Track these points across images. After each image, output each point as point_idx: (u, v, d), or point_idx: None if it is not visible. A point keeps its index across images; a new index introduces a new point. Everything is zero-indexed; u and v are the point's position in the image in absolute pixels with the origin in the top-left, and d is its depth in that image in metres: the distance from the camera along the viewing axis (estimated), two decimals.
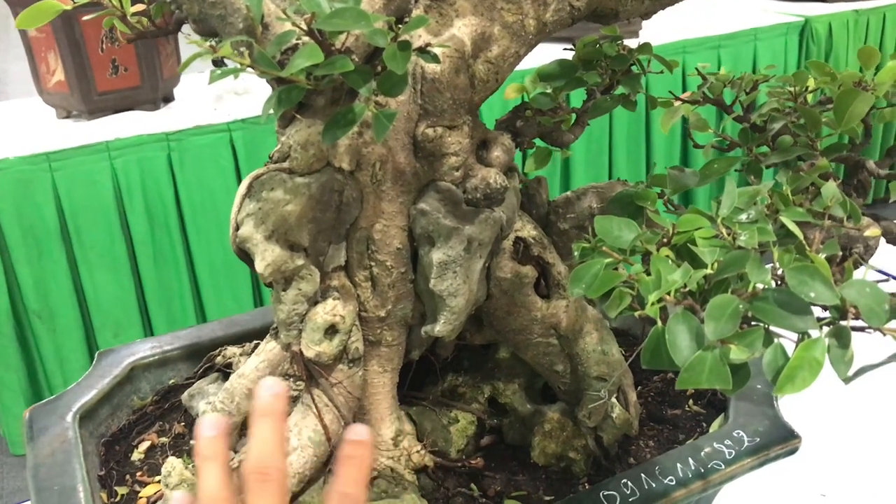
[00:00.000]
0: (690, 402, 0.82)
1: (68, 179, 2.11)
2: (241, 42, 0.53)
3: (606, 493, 0.68)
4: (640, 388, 0.82)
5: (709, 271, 0.48)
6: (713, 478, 0.69)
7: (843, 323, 0.46)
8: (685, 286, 0.47)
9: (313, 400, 0.67)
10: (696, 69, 0.80)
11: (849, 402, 1.19)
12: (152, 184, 2.18)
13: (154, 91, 2.27)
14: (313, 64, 0.49)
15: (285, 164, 0.62)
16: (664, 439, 0.77)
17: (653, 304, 0.47)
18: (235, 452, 0.68)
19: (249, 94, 2.41)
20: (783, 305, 0.46)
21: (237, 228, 0.62)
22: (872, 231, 0.60)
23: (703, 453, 0.71)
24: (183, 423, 0.84)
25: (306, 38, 0.51)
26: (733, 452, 0.71)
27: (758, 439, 0.72)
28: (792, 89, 0.75)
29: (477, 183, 0.64)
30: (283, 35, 0.52)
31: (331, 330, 0.65)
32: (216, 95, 2.40)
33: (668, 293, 0.47)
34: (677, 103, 0.78)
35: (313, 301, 0.65)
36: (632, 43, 0.74)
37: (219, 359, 0.87)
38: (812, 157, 0.65)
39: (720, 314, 0.46)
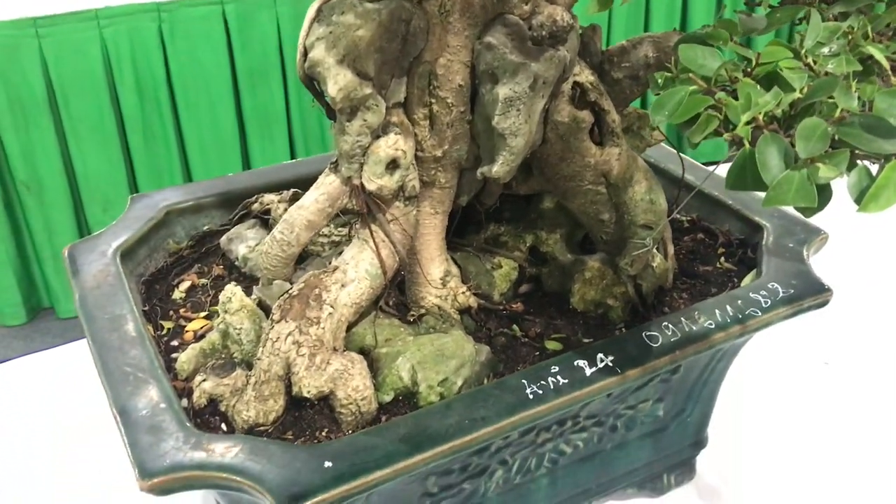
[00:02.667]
0: (722, 259, 0.84)
1: (56, 47, 2.04)
2: None
3: (649, 333, 0.71)
4: (675, 242, 0.84)
5: (798, 95, 0.49)
6: (750, 323, 0.72)
7: None
8: (777, 108, 0.48)
9: (371, 234, 0.67)
10: None
11: (855, 272, 1.22)
12: (142, 56, 2.12)
13: None
14: None
15: None
16: (697, 293, 0.80)
17: (745, 124, 0.48)
18: (292, 284, 0.70)
19: None
20: (870, 130, 0.48)
21: (305, 53, 0.61)
22: None
23: (740, 301, 0.74)
24: (222, 266, 0.84)
25: None
26: (769, 301, 0.74)
27: (792, 290, 0.75)
28: None
29: (543, 20, 0.64)
30: None
31: (392, 164, 0.66)
32: None
33: (759, 114, 0.48)
34: None
35: (376, 134, 0.65)
36: None
37: (255, 206, 0.87)
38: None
39: (811, 134, 0.47)
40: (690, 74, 0.53)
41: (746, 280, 0.80)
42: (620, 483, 0.85)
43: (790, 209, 0.86)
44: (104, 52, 2.07)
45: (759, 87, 0.51)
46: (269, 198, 0.86)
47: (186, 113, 2.21)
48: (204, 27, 2.14)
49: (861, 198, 0.47)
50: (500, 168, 0.67)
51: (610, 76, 0.73)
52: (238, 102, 2.28)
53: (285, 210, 0.80)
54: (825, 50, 0.53)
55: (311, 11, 0.61)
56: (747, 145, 0.49)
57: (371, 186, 0.65)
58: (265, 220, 0.86)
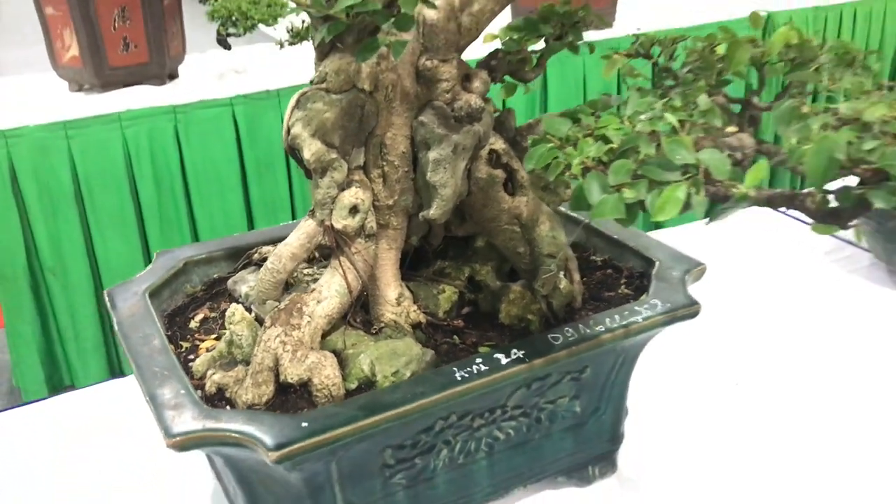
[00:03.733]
0: (623, 287, 1.09)
1: (83, 146, 2.35)
2: None
3: (553, 335, 0.95)
4: (584, 277, 1.09)
5: (614, 145, 0.75)
6: (633, 327, 0.96)
7: (698, 176, 0.73)
8: (598, 155, 0.74)
9: (340, 263, 0.93)
10: (633, 33, 1.07)
11: (763, 299, 1.47)
12: (160, 152, 2.43)
13: (161, 67, 2.52)
14: (352, 5, 0.75)
15: (323, 85, 0.88)
16: (600, 311, 1.04)
17: (577, 166, 0.74)
18: (278, 302, 0.95)
19: (248, 73, 2.66)
20: (661, 166, 0.73)
21: (289, 130, 0.88)
22: (742, 137, 0.87)
23: (626, 312, 0.98)
24: (229, 303, 1.10)
25: None
26: (650, 312, 0.98)
27: (669, 305, 1.00)
28: (701, 45, 1.02)
29: (462, 104, 0.91)
30: None
31: (353, 209, 0.92)
32: (218, 73, 2.65)
33: (587, 159, 0.74)
34: (616, 56, 1.05)
35: (341, 187, 0.91)
36: (605, 33, 1.01)
37: (255, 255, 1.13)
38: (706, 90, 0.92)
39: (619, 170, 0.73)
40: (549, 136, 0.79)
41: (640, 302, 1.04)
42: (550, 470, 1.07)
43: (675, 247, 1.12)
44: (125, 150, 2.39)
45: (592, 142, 0.77)
46: (266, 248, 1.12)
47: (199, 202, 2.51)
48: (215, 125, 2.46)
49: (659, 210, 0.72)
50: (435, 211, 0.93)
51: (521, 145, 1.00)
52: (246, 191, 2.57)
53: None
54: (642, 117, 0.79)
55: (292, 101, 0.89)
56: (580, 179, 0.74)
57: (338, 226, 0.91)
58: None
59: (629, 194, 0.72)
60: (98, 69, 2.43)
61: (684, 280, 1.05)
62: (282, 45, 2.61)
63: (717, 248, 1.61)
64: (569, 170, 0.76)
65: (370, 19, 0.79)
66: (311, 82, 0.91)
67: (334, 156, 0.89)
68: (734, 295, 1.51)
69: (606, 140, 0.77)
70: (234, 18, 2.36)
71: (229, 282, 1.11)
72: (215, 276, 1.15)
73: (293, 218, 2.63)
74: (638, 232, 1.17)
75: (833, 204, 0.77)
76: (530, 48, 0.98)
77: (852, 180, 0.76)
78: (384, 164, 0.93)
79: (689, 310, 1.00)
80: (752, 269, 1.62)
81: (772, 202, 0.78)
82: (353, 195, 0.91)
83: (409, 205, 0.96)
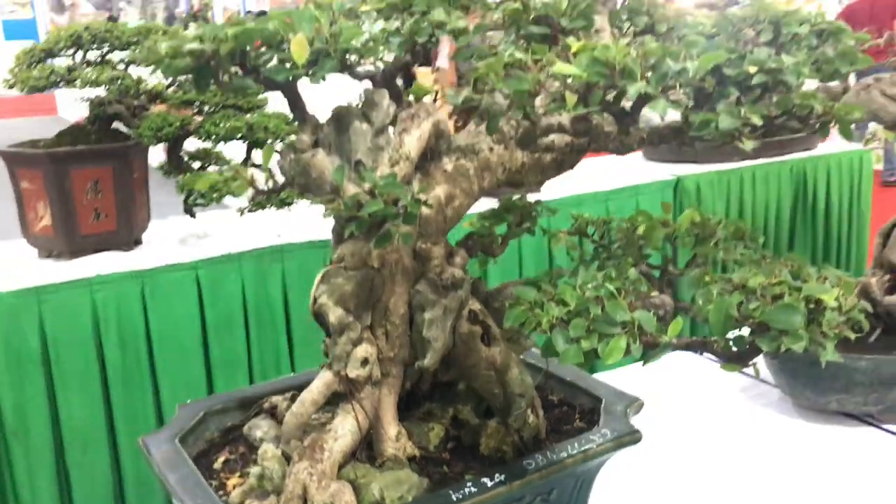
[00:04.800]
0: (577, 421, 1.36)
1: (53, 310, 2.53)
2: (331, 198, 1.08)
3: (526, 461, 1.20)
4: (545, 413, 1.35)
5: (571, 308, 1.04)
6: (589, 453, 1.22)
7: (634, 330, 1.02)
8: (560, 315, 1.03)
9: (352, 406, 1.18)
10: (571, 214, 1.40)
11: (690, 430, 1.75)
12: (126, 315, 2.63)
13: (128, 234, 2.77)
14: (376, 210, 1.04)
15: (342, 264, 1.16)
16: (562, 441, 1.30)
17: (545, 323, 1.02)
18: (302, 441, 1.18)
19: (210, 238, 2.93)
20: (607, 322, 1.02)
21: (315, 300, 1.15)
22: (664, 298, 1.18)
23: (583, 440, 1.24)
24: (244, 448, 1.31)
25: (367, 195, 1.07)
26: (601, 440, 1.25)
27: (616, 433, 1.26)
28: (626, 225, 1.35)
29: (448, 276, 1.20)
30: (354, 195, 1.08)
31: (364, 361, 1.17)
32: (180, 239, 2.91)
33: (553, 318, 1.03)
34: (560, 235, 1.37)
35: (355, 344, 1.17)
36: (535, 195, 1.33)
37: (266, 405, 1.36)
38: (633, 262, 1.24)
39: (577, 327, 1.01)
40: (520, 299, 1.08)
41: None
42: None
43: (617, 387, 1.40)
44: (94, 314, 2.57)
45: (554, 305, 1.06)
46: (275, 398, 1.36)
47: (162, 362, 2.69)
48: (180, 288, 2.68)
49: (608, 356, 1.00)
50: (429, 361, 1.19)
51: (492, 306, 1.29)
52: (206, 350, 2.76)
53: (287, 406, 1.30)
54: (590, 285, 1.09)
55: (318, 276, 1.16)
56: (549, 334, 1.02)
57: (352, 375, 1.17)
58: (273, 414, 1.35)
59: (585, 345, 1.01)
60: (69, 238, 2.65)
61: (626, 413, 1.32)
62: (242, 213, 2.92)
63: (652, 385, 1.90)
64: (539, 327, 1.04)
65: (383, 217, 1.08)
66: (331, 261, 1.18)
67: (351, 319, 1.16)
68: (667, 426, 1.79)
69: (565, 304, 1.06)
70: (202, 191, 2.66)
71: (245, 428, 1.33)
72: (229, 423, 1.37)
73: (250, 375, 2.82)
74: (586, 374, 1.45)
75: (735, 349, 1.08)
76: (497, 231, 1.29)
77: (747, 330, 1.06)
78: (387, 323, 1.20)
79: (632, 437, 1.27)
80: (681, 404, 1.91)
81: (690, 347, 1.09)
82: (364, 350, 1.17)
83: (405, 357, 1.23)
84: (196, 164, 2.77)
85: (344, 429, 1.17)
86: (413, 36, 1.16)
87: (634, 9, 1.35)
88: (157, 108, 2.78)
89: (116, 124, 2.73)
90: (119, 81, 2.52)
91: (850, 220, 4.13)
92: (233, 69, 1.06)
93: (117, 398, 2.62)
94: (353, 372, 1.17)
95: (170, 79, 2.74)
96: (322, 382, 1.19)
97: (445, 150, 1.21)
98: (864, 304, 1.06)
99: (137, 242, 2.84)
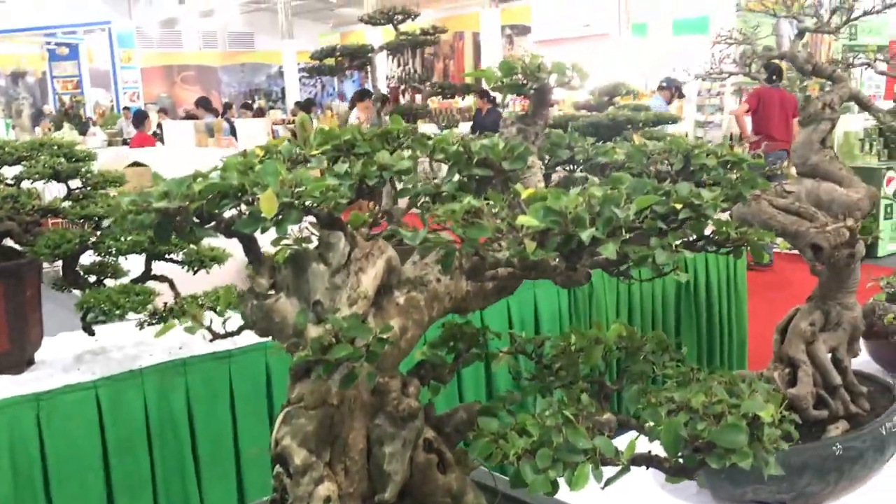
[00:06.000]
0: None
1: None
2: (295, 341, 1.12)
3: None
4: None
5: (534, 439, 1.11)
6: None
7: (596, 456, 1.10)
8: (525, 447, 1.10)
9: None
10: (508, 333, 1.48)
11: None
12: (20, 441, 2.51)
13: (21, 355, 2.66)
14: (343, 354, 1.09)
15: (301, 403, 1.19)
16: None
17: (514, 454, 1.08)
18: None
19: (107, 353, 2.85)
20: (569, 450, 1.09)
21: (277, 443, 1.17)
22: (609, 418, 1.26)
23: None
24: None
25: (331, 337, 1.11)
26: None
27: None
28: (563, 343, 1.44)
29: (405, 407, 1.25)
30: (318, 338, 1.12)
31: (327, 500, 1.20)
32: (76, 356, 2.81)
33: (519, 450, 1.09)
34: (501, 354, 1.45)
35: (317, 483, 1.19)
36: None
37: None
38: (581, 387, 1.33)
39: (543, 457, 1.08)
40: (482, 431, 1.14)
41: None
42: None
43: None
44: None
45: (517, 436, 1.12)
46: None
47: (58, 487, 2.56)
48: (79, 409, 2.59)
49: (575, 484, 1.07)
50: (389, 494, 1.23)
51: (444, 431, 1.34)
52: (108, 474, 2.66)
53: None
54: (547, 412, 1.16)
55: (280, 417, 1.18)
56: (516, 464, 1.08)
57: None
58: None
59: (552, 474, 1.08)
60: None
61: None
62: (142, 326, 2.87)
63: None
64: (506, 458, 1.10)
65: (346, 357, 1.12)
66: (289, 401, 1.21)
67: (314, 459, 1.18)
68: None
69: (528, 434, 1.12)
70: (104, 308, 2.60)
71: None
72: None
73: (154, 498, 2.72)
74: (545, 497, 1.51)
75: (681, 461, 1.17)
76: (447, 359, 1.35)
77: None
78: (346, 459, 1.23)
79: None
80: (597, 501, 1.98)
81: (640, 463, 1.17)
82: (326, 489, 1.20)
83: (364, 490, 1.26)
84: (92, 278, 2.71)
85: None
86: (363, 179, 1.23)
87: (557, 143, 1.47)
88: (51, 223, 2.72)
89: (7, 241, 2.64)
90: (12, 199, 2.46)
91: (728, 300, 4.43)
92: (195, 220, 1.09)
93: None
94: None
95: (65, 192, 2.70)
96: None
97: (396, 283, 1.27)
98: (793, 416, 1.18)
99: (30, 363, 2.72)
